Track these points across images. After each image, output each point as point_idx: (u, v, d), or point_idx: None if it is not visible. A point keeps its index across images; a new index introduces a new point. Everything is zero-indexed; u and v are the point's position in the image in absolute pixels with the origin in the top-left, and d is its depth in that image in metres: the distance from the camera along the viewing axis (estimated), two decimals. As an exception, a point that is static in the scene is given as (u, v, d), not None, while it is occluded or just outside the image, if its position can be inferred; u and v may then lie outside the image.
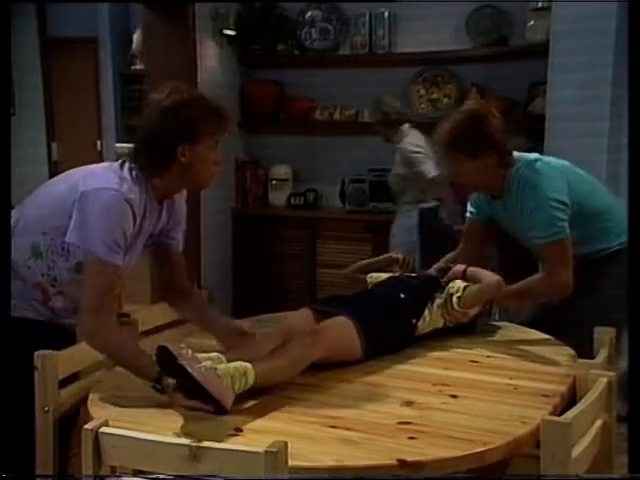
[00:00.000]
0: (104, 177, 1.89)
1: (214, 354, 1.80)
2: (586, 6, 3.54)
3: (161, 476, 1.41)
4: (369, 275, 2.55)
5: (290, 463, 1.34)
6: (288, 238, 4.99)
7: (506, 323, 2.50)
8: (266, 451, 1.31)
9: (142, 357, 1.81)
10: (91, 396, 1.79)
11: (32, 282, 1.97)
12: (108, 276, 1.84)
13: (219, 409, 1.65)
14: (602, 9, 3.50)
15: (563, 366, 2.02)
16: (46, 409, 1.82)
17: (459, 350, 2.18)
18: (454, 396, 1.80)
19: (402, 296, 2.26)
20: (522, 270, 2.44)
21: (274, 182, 5.19)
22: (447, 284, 2.32)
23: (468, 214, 2.64)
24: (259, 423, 1.63)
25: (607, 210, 2.45)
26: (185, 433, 1.56)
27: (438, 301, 2.27)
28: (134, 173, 1.93)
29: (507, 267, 2.60)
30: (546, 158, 2.43)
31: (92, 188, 1.86)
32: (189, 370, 1.62)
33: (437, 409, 1.72)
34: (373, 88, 4.84)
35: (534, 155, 2.44)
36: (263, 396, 1.76)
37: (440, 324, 2.27)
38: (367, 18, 4.77)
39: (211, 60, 4.87)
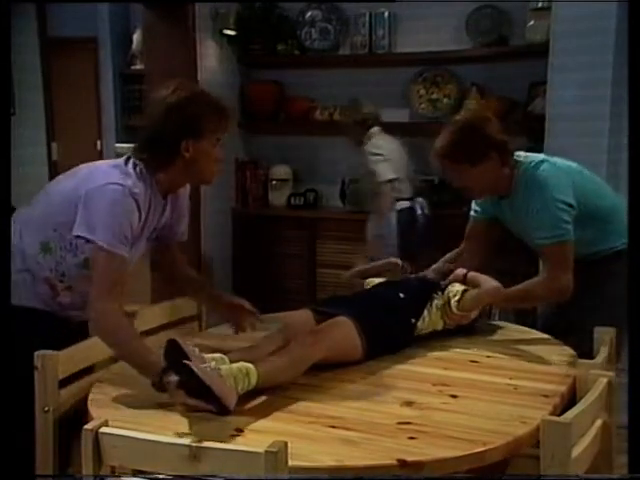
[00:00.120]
0: (109, 173, 1.94)
1: (218, 355, 1.80)
2: (586, 6, 3.54)
3: (161, 476, 1.41)
4: (368, 280, 2.55)
5: (290, 463, 1.34)
6: (288, 238, 4.99)
7: (506, 323, 2.50)
8: (266, 451, 1.31)
9: (147, 350, 1.82)
10: (91, 396, 1.79)
11: (41, 277, 2.01)
12: (116, 267, 1.86)
13: (222, 409, 1.65)
14: (602, 9, 3.49)
15: (563, 366, 2.02)
16: (46, 409, 1.82)
17: (459, 350, 2.18)
18: (454, 396, 1.80)
19: (401, 296, 2.26)
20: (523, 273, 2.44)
21: (274, 182, 5.18)
22: (446, 287, 2.32)
23: (472, 212, 2.63)
24: (259, 423, 1.63)
25: (611, 210, 2.45)
26: (185, 433, 1.56)
27: (437, 302, 2.27)
28: (138, 169, 1.97)
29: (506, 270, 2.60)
30: (553, 159, 2.42)
31: (98, 184, 1.90)
32: (194, 369, 1.62)
33: (437, 409, 1.73)
34: (373, 88, 4.83)
35: (541, 156, 2.44)
36: (264, 396, 1.76)
37: (440, 326, 2.28)
38: (367, 18, 4.76)
39: (211, 60, 4.87)
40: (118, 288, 1.86)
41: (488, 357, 2.12)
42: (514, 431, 1.59)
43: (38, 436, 1.83)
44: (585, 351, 2.04)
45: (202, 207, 4.78)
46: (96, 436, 1.44)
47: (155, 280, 3.91)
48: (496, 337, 2.34)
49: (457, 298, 2.26)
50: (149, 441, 1.43)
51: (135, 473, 1.51)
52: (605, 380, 1.75)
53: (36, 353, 1.81)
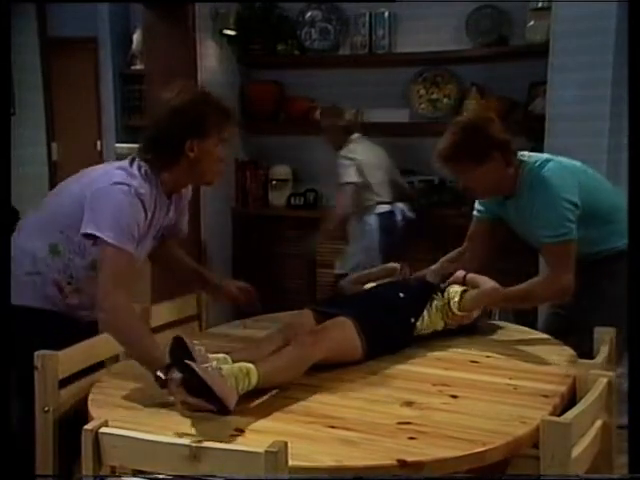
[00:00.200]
0: (115, 174, 1.97)
1: (221, 355, 1.80)
2: (586, 6, 3.54)
3: (161, 476, 1.41)
4: (367, 286, 2.54)
5: (290, 463, 1.34)
6: (288, 238, 4.99)
7: (506, 323, 2.50)
8: (266, 451, 1.31)
9: (155, 346, 1.82)
10: (91, 396, 1.79)
11: (50, 279, 2.03)
12: (124, 263, 1.88)
13: (222, 409, 1.65)
14: (602, 9, 3.49)
15: (563, 366, 2.02)
16: (46, 409, 1.82)
17: (459, 350, 2.18)
18: (454, 396, 1.80)
19: (401, 295, 2.27)
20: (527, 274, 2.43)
21: (274, 182, 5.18)
22: (446, 288, 2.32)
23: (475, 212, 2.62)
24: (259, 423, 1.63)
25: (614, 210, 2.44)
26: (185, 433, 1.56)
27: (437, 303, 2.28)
28: (143, 170, 2.01)
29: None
30: (557, 158, 2.42)
31: (104, 184, 1.93)
32: (195, 369, 1.62)
33: (437, 409, 1.73)
34: (373, 88, 4.83)
35: (546, 155, 2.44)
36: (263, 396, 1.76)
37: (440, 327, 2.28)
38: (367, 18, 4.76)
39: (211, 60, 4.86)
40: (126, 282, 1.88)
41: (488, 357, 2.12)
42: (514, 431, 1.59)
43: (38, 436, 1.83)
44: (585, 351, 2.04)
45: (202, 207, 4.78)
46: (96, 436, 1.44)
47: (155, 280, 3.92)
48: (496, 337, 2.34)
49: (457, 299, 2.26)
50: (149, 441, 1.43)
51: (135, 473, 1.51)
52: (605, 380, 1.75)
53: (36, 353, 1.81)
